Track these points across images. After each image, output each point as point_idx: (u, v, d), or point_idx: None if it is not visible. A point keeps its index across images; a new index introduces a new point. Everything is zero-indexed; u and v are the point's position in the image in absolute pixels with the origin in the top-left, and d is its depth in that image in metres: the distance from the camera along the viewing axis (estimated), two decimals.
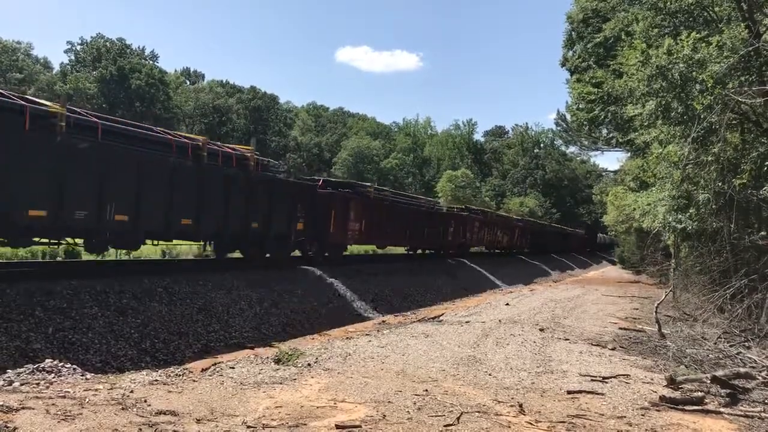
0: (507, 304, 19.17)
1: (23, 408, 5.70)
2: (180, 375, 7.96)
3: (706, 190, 14.19)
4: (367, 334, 12.22)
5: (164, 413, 5.81)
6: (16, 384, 7.05)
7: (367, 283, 21.16)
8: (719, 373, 8.22)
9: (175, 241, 18.08)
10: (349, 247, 25.61)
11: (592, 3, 28.80)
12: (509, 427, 5.94)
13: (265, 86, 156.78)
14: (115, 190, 12.38)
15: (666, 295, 18.31)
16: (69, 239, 13.31)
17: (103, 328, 10.56)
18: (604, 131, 34.00)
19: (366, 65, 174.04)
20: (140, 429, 5.27)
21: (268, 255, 18.67)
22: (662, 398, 7.27)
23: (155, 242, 15.61)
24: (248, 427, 5.52)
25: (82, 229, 12.44)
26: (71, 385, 7.11)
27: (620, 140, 29.03)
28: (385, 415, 6.05)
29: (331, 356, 9.12)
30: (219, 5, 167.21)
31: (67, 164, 11.34)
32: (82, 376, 8.16)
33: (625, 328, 14.25)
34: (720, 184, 13.56)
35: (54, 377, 7.76)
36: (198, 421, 5.62)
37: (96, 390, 6.70)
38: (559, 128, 66.13)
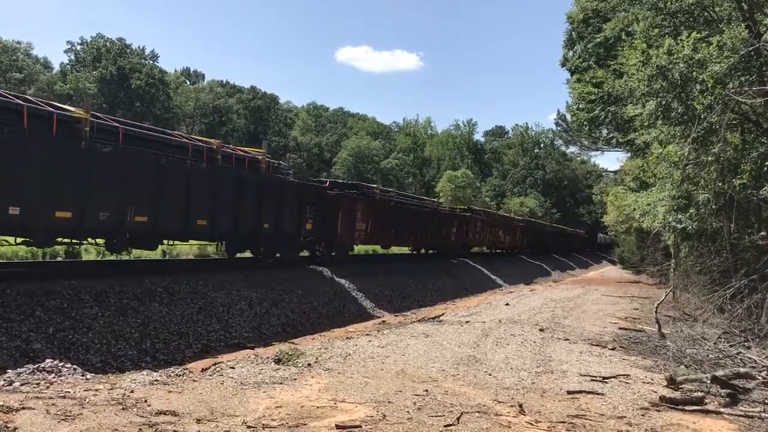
0: (507, 304, 19.17)
1: (23, 408, 5.70)
2: (180, 375, 7.96)
3: (706, 190, 14.19)
4: (367, 334, 12.23)
5: (164, 413, 5.82)
6: (17, 384, 7.06)
7: (373, 283, 21.35)
8: (719, 373, 8.22)
9: (179, 242, 18.14)
10: (354, 247, 25.98)
11: (593, 3, 28.77)
12: (509, 427, 5.94)
13: (265, 86, 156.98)
14: (136, 193, 12.83)
15: (666, 295, 18.31)
16: (91, 240, 13.70)
17: (103, 328, 10.56)
18: (605, 131, 33.98)
19: (366, 65, 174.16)
20: (140, 429, 5.28)
21: (278, 255, 19.08)
22: (662, 398, 7.28)
23: (171, 242, 16.08)
24: (248, 427, 5.52)
25: (105, 230, 12.91)
26: (71, 385, 7.11)
27: (620, 140, 29.02)
28: (385, 415, 6.05)
29: (331, 356, 9.12)
30: (219, 5, 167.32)
31: (91, 167, 11.77)
32: (82, 376, 8.17)
33: (625, 328, 14.25)
34: (720, 184, 13.55)
35: (54, 377, 7.77)
36: (198, 421, 5.63)
37: (96, 390, 6.71)
38: (559, 128, 66.19)
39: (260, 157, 17.40)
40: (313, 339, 13.45)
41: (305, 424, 5.66)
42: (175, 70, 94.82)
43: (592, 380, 8.31)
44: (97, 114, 13.07)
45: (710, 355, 10.54)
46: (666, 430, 6.24)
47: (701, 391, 7.72)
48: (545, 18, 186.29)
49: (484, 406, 6.65)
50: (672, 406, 7.09)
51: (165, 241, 16.19)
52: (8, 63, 72.62)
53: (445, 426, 5.83)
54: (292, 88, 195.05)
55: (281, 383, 7.33)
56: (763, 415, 6.94)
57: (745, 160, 13.49)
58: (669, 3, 14.83)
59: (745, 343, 11.32)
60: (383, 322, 16.80)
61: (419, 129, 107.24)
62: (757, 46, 12.24)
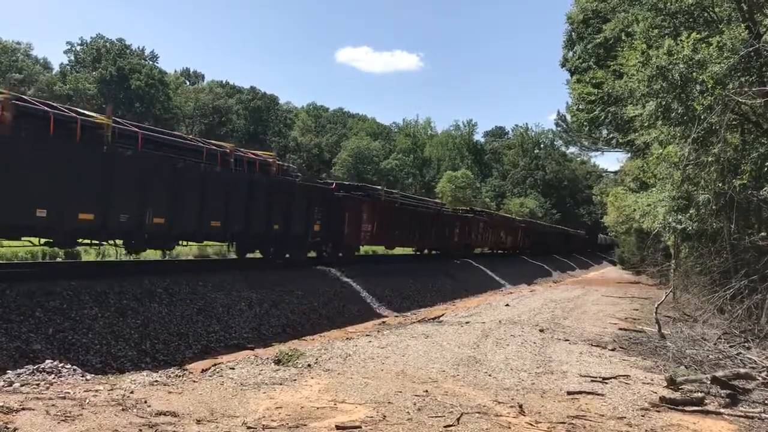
0: (507, 304, 19.18)
1: (23, 409, 5.70)
2: (180, 376, 7.97)
3: (706, 190, 14.19)
4: (367, 335, 12.23)
5: (164, 414, 5.82)
6: (17, 385, 7.06)
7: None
8: (719, 373, 8.22)
9: (194, 243, 18.86)
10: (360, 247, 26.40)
11: (592, 3, 28.75)
12: (509, 427, 5.94)
13: (265, 86, 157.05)
14: (154, 195, 13.27)
15: (666, 296, 18.30)
16: (110, 240, 14.05)
17: (103, 328, 10.55)
18: (605, 132, 33.97)
19: (366, 65, 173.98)
20: (140, 430, 5.28)
21: (287, 255, 19.46)
22: (662, 399, 7.28)
23: (185, 243, 16.56)
24: (248, 427, 5.52)
25: (125, 232, 13.35)
26: (71, 385, 7.12)
27: (620, 141, 29.00)
28: (385, 416, 6.05)
29: (331, 357, 9.12)
30: (219, 5, 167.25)
31: (113, 171, 12.21)
32: (82, 376, 8.17)
33: (625, 329, 14.25)
34: (720, 184, 13.55)
35: (54, 378, 7.77)
36: (198, 421, 5.63)
37: (96, 391, 6.71)
38: (559, 129, 66.25)
39: (271, 160, 17.99)
40: (313, 340, 13.45)
41: (305, 425, 5.66)
42: (175, 71, 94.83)
43: (592, 381, 8.31)
44: (118, 119, 13.51)
45: (710, 356, 10.54)
46: (666, 430, 6.24)
47: (701, 392, 7.73)
48: (545, 18, 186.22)
49: (484, 406, 6.65)
50: (672, 406, 7.09)
51: (197, 243, 17.21)
52: (8, 63, 72.57)
53: (445, 426, 5.83)
54: (292, 88, 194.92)
55: (281, 384, 7.33)
56: (763, 415, 6.94)
57: (745, 161, 13.49)
58: (669, 3, 14.82)
59: (745, 344, 11.32)
60: (383, 322, 16.81)
61: (419, 129, 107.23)
62: (757, 46, 12.24)
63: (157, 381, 7.44)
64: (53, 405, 5.91)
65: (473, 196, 74.62)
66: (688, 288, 18.65)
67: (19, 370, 7.88)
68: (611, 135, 32.92)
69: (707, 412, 7.01)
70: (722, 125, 12.25)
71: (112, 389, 6.82)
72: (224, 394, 6.73)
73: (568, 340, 11.98)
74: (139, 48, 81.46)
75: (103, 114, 12.72)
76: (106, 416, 5.61)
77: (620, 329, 14.20)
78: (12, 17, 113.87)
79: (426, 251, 34.17)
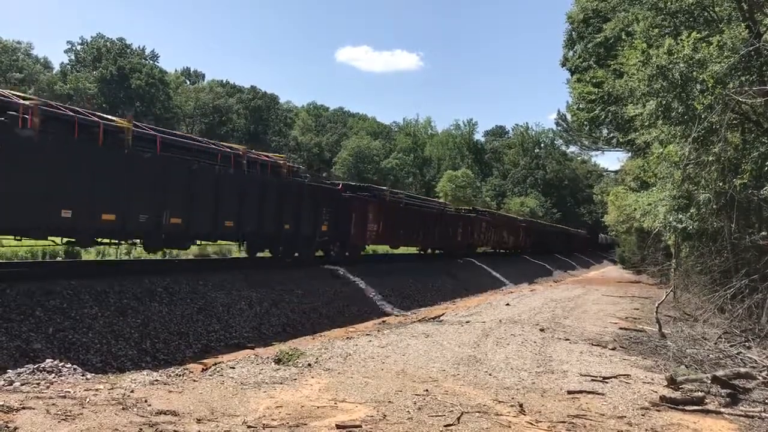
0: (507, 304, 19.17)
1: (24, 408, 5.70)
2: (180, 375, 7.97)
3: (706, 190, 14.17)
4: (367, 334, 12.23)
5: (165, 413, 5.82)
6: (17, 384, 7.06)
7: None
8: (720, 373, 8.22)
9: (209, 242, 19.21)
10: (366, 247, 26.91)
11: (593, 3, 28.73)
12: (509, 427, 5.94)
13: (265, 86, 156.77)
14: (171, 196, 13.73)
15: (666, 295, 18.29)
16: (129, 240, 14.68)
17: (103, 328, 10.56)
18: (605, 131, 33.96)
19: (366, 65, 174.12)
20: (141, 429, 5.28)
21: (296, 254, 19.90)
22: (662, 398, 7.28)
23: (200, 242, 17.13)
24: (249, 426, 5.52)
25: (144, 232, 13.83)
26: (72, 385, 7.11)
27: (621, 140, 28.99)
28: (385, 415, 6.05)
29: (331, 356, 9.12)
30: (219, 5, 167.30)
31: (133, 173, 12.67)
32: (82, 376, 8.17)
33: (625, 328, 14.25)
34: (721, 184, 13.54)
35: (54, 377, 7.77)
36: (198, 421, 5.63)
37: (96, 390, 6.71)
38: (559, 128, 66.14)
39: (281, 162, 18.50)
40: (314, 339, 13.44)
41: (305, 424, 5.66)
42: (175, 70, 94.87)
43: (592, 380, 8.31)
44: (138, 123, 14.04)
45: (711, 355, 10.53)
46: (666, 430, 6.24)
47: (701, 391, 7.72)
48: (545, 18, 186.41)
49: (484, 406, 6.65)
50: (672, 406, 7.09)
51: (212, 242, 17.62)
52: (8, 63, 72.57)
53: (445, 426, 5.82)
54: (292, 88, 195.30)
55: (281, 383, 7.33)
56: (763, 415, 6.93)
57: (745, 160, 13.47)
58: (669, 3, 14.81)
59: (746, 343, 11.31)
60: (383, 322, 16.80)
61: (419, 129, 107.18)
62: (757, 45, 12.23)
63: (157, 380, 7.44)
64: (53, 404, 5.91)
65: (473, 196, 74.61)
66: (689, 287, 18.63)
67: (19, 370, 7.88)
68: (611, 134, 32.92)
69: (707, 412, 7.01)
70: (723, 124, 12.23)
71: (112, 388, 6.82)
72: (224, 394, 6.73)
73: (568, 340, 11.97)
74: (139, 47, 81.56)
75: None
76: (107, 415, 5.61)
77: (621, 329, 14.20)
78: (12, 17, 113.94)
79: (429, 251, 34.51)
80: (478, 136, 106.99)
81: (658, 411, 6.91)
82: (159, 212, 13.40)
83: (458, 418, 6.04)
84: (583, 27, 31.14)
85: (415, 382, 7.64)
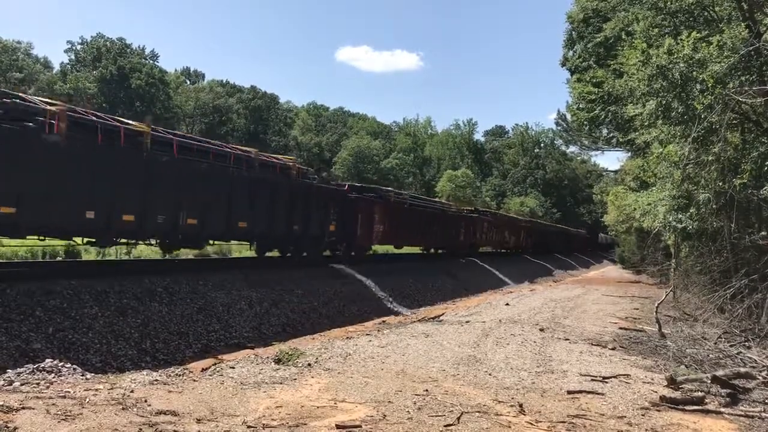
0: (507, 304, 19.17)
1: (23, 408, 5.70)
2: (180, 375, 7.96)
3: (706, 189, 14.17)
4: (367, 334, 12.23)
5: (164, 413, 5.81)
6: (17, 384, 7.06)
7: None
8: (719, 373, 8.22)
9: (222, 242, 20.30)
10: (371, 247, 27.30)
11: (593, 3, 28.73)
12: (509, 427, 5.94)
13: (265, 86, 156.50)
14: (187, 197, 14.14)
15: (666, 295, 18.30)
16: (147, 240, 15.06)
17: (103, 327, 10.55)
18: (605, 131, 33.98)
19: (366, 65, 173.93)
20: (140, 429, 5.28)
21: (305, 254, 20.33)
22: (662, 398, 7.28)
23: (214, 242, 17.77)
24: (248, 426, 5.52)
25: (161, 232, 14.30)
26: (71, 385, 7.11)
27: (620, 140, 29.00)
28: (385, 415, 6.05)
29: (331, 356, 9.12)
30: (219, 5, 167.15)
31: (151, 175, 13.11)
32: (82, 376, 8.16)
33: (625, 328, 14.25)
34: (720, 183, 13.54)
35: (54, 377, 7.76)
36: (198, 421, 5.63)
37: (96, 390, 6.70)
38: (559, 128, 66.15)
39: (291, 164, 18.97)
40: (313, 339, 13.44)
41: (305, 424, 5.66)
42: (175, 70, 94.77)
43: (592, 380, 8.30)
44: (156, 127, 14.43)
45: (710, 355, 10.53)
46: (666, 429, 6.24)
47: (701, 391, 7.72)
48: (545, 18, 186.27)
49: (484, 405, 6.65)
50: (672, 405, 7.09)
51: (225, 242, 18.36)
52: (8, 63, 72.53)
53: (445, 426, 5.82)
54: (292, 88, 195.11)
55: (281, 383, 7.33)
56: (763, 414, 6.93)
57: (745, 160, 13.47)
58: (669, 3, 14.81)
59: (746, 343, 11.31)
60: (383, 321, 16.80)
61: (419, 129, 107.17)
62: (757, 45, 12.23)
63: (157, 380, 7.43)
64: (53, 404, 5.91)
65: (473, 196, 74.65)
66: (689, 287, 18.64)
67: (19, 369, 7.88)
68: (611, 134, 32.93)
69: (707, 412, 7.01)
70: (722, 124, 12.23)
71: (112, 388, 6.82)
72: (224, 393, 6.72)
73: (568, 340, 11.97)
74: (139, 47, 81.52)
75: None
76: (106, 415, 5.61)
77: (620, 328, 14.20)
78: (12, 17, 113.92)
79: (432, 250, 34.93)
80: (478, 136, 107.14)
81: (658, 411, 6.91)
82: (176, 213, 13.84)
83: (458, 418, 6.04)
84: (583, 27, 31.15)
85: (415, 382, 7.64)
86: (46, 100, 12.16)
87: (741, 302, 13.07)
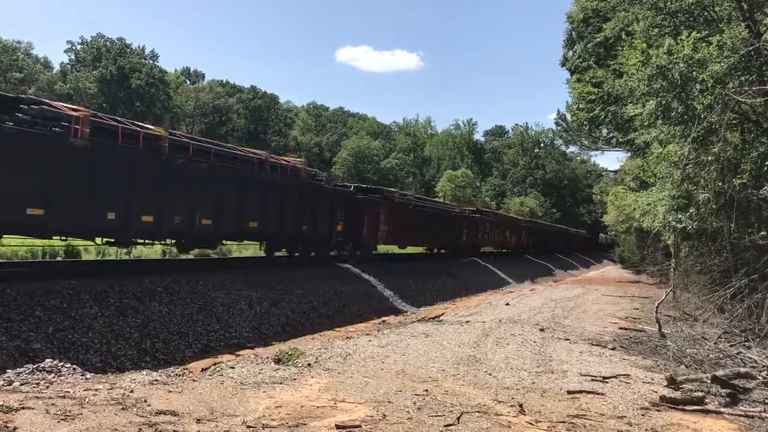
0: (507, 303, 19.17)
1: (23, 408, 5.70)
2: (180, 375, 7.96)
3: (706, 189, 14.17)
4: (367, 334, 12.23)
5: (164, 413, 5.81)
6: (16, 384, 7.05)
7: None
8: (719, 373, 8.21)
9: (234, 242, 20.94)
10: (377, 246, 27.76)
11: (593, 3, 28.72)
12: (509, 427, 5.94)
13: (265, 86, 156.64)
14: (202, 199, 14.61)
15: (666, 295, 18.30)
16: (164, 240, 15.50)
17: (103, 327, 10.55)
18: (604, 131, 33.98)
19: (366, 65, 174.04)
20: (140, 429, 5.27)
21: (313, 254, 20.80)
22: (662, 398, 7.27)
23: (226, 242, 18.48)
24: (248, 426, 5.52)
25: (178, 233, 14.68)
26: (71, 385, 7.11)
27: (620, 140, 29.00)
28: (385, 415, 6.05)
29: (331, 356, 9.12)
30: (219, 5, 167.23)
31: (169, 177, 13.57)
32: (82, 375, 8.16)
33: (625, 328, 14.24)
34: (720, 183, 13.53)
35: (54, 377, 7.76)
36: (198, 420, 5.62)
37: (96, 390, 6.70)
38: (559, 128, 66.15)
39: (300, 166, 19.51)
40: (313, 339, 13.44)
41: (305, 424, 5.66)
42: (175, 70, 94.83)
43: (592, 380, 8.30)
44: (173, 131, 15.09)
45: (710, 355, 10.53)
46: (666, 429, 6.24)
47: (701, 391, 7.72)
48: (545, 18, 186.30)
49: (484, 405, 6.64)
50: (672, 405, 7.09)
51: (238, 242, 18.98)
52: (8, 63, 72.57)
53: (445, 426, 5.82)
54: (292, 88, 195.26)
55: (281, 383, 7.33)
56: (763, 414, 6.93)
57: (745, 160, 13.47)
58: (669, 3, 14.80)
59: (746, 343, 11.31)
60: (383, 321, 16.80)
61: (419, 129, 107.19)
62: (757, 45, 12.22)
63: (157, 380, 7.43)
64: (53, 404, 5.91)
65: (473, 196, 74.65)
66: (689, 287, 18.63)
67: (18, 369, 7.87)
68: (611, 134, 32.93)
69: (707, 412, 7.01)
70: (722, 124, 12.23)
71: (111, 388, 6.81)
72: (224, 393, 6.72)
73: (568, 339, 11.97)
74: (139, 47, 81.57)
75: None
76: (106, 415, 5.60)
77: (620, 328, 14.20)
78: (12, 17, 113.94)
79: (435, 250, 35.32)
80: (478, 136, 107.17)
81: (658, 411, 6.90)
82: (192, 214, 14.27)
83: (458, 418, 6.04)
84: (583, 27, 31.14)
85: (415, 382, 7.64)
86: (70, 105, 12.55)
87: (741, 302, 13.07)
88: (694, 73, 12.40)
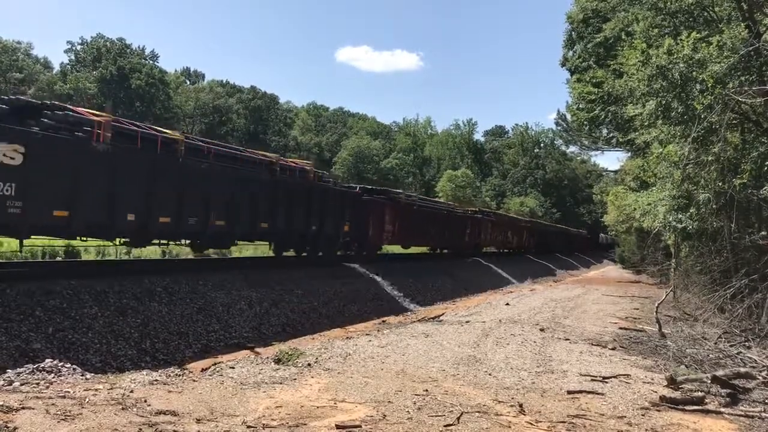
0: (507, 303, 19.17)
1: (23, 408, 5.70)
2: (180, 375, 7.97)
3: (706, 189, 14.17)
4: (367, 334, 12.23)
5: (164, 413, 5.81)
6: (16, 384, 7.06)
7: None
8: (719, 373, 8.21)
9: (246, 242, 20.98)
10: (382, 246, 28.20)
11: (593, 3, 28.75)
12: (509, 427, 5.94)
13: (265, 86, 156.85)
14: (216, 200, 14.97)
15: (666, 295, 18.29)
16: (179, 241, 15.92)
17: (103, 327, 10.54)
18: (605, 131, 34.00)
19: (366, 65, 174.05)
20: (140, 429, 5.27)
21: (321, 254, 21.15)
22: (662, 398, 7.27)
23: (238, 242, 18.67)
24: (248, 426, 5.52)
25: (193, 233, 15.10)
26: (71, 385, 7.11)
27: (620, 140, 29.01)
28: (385, 415, 6.05)
29: (331, 356, 9.12)
30: (219, 5, 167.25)
31: (185, 180, 13.91)
32: (82, 376, 8.16)
33: (625, 328, 14.24)
34: (720, 183, 13.53)
35: (54, 377, 7.76)
36: (198, 421, 5.62)
37: (96, 390, 6.70)
38: (559, 128, 66.13)
39: (308, 168, 20.02)
40: (313, 339, 13.44)
41: (305, 424, 5.66)
42: (175, 70, 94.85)
43: (592, 380, 8.30)
44: (188, 135, 15.72)
45: (710, 355, 10.52)
46: (666, 429, 6.24)
47: (701, 391, 7.72)
48: (545, 18, 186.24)
49: (484, 405, 6.64)
50: (672, 405, 7.09)
51: (249, 242, 19.42)
52: (8, 63, 72.58)
53: (445, 426, 5.82)
54: (292, 88, 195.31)
55: (281, 383, 7.33)
56: (763, 414, 6.93)
57: (745, 160, 13.47)
58: (669, 3, 14.81)
59: (746, 343, 11.31)
60: (383, 321, 16.80)
61: (419, 129, 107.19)
62: (757, 45, 12.22)
63: (156, 380, 7.43)
64: (53, 404, 5.91)
65: (473, 196, 74.67)
66: (689, 287, 18.63)
67: (19, 369, 7.87)
68: (611, 134, 32.95)
69: (707, 412, 7.01)
70: (722, 124, 12.23)
71: (111, 388, 6.82)
72: (224, 394, 6.72)
73: (568, 340, 11.97)
74: (139, 47, 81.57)
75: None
76: (106, 415, 5.60)
77: (620, 328, 14.20)
78: (12, 17, 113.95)
79: (439, 250, 35.71)
80: (478, 136, 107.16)
81: (658, 411, 6.90)
82: (206, 215, 14.63)
83: (458, 418, 6.04)
84: (582, 27, 31.16)
85: (415, 382, 7.64)
86: (92, 111, 12.95)
87: (741, 302, 13.06)
88: (694, 73, 12.41)
